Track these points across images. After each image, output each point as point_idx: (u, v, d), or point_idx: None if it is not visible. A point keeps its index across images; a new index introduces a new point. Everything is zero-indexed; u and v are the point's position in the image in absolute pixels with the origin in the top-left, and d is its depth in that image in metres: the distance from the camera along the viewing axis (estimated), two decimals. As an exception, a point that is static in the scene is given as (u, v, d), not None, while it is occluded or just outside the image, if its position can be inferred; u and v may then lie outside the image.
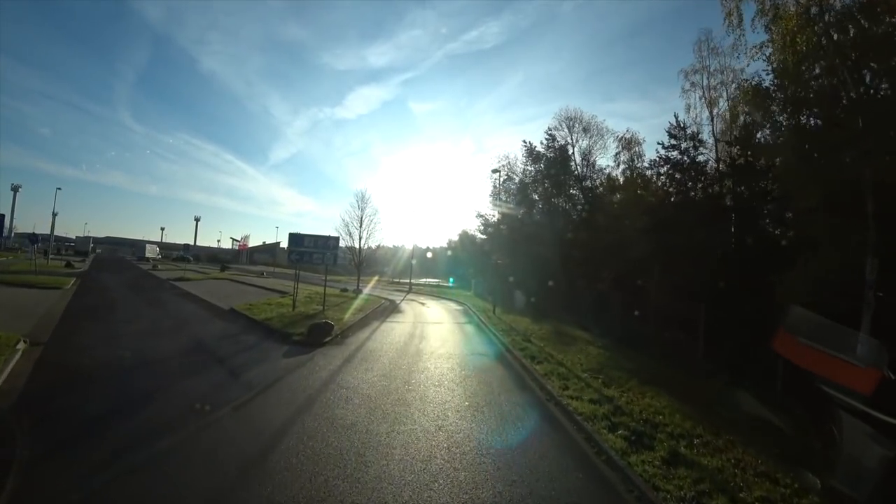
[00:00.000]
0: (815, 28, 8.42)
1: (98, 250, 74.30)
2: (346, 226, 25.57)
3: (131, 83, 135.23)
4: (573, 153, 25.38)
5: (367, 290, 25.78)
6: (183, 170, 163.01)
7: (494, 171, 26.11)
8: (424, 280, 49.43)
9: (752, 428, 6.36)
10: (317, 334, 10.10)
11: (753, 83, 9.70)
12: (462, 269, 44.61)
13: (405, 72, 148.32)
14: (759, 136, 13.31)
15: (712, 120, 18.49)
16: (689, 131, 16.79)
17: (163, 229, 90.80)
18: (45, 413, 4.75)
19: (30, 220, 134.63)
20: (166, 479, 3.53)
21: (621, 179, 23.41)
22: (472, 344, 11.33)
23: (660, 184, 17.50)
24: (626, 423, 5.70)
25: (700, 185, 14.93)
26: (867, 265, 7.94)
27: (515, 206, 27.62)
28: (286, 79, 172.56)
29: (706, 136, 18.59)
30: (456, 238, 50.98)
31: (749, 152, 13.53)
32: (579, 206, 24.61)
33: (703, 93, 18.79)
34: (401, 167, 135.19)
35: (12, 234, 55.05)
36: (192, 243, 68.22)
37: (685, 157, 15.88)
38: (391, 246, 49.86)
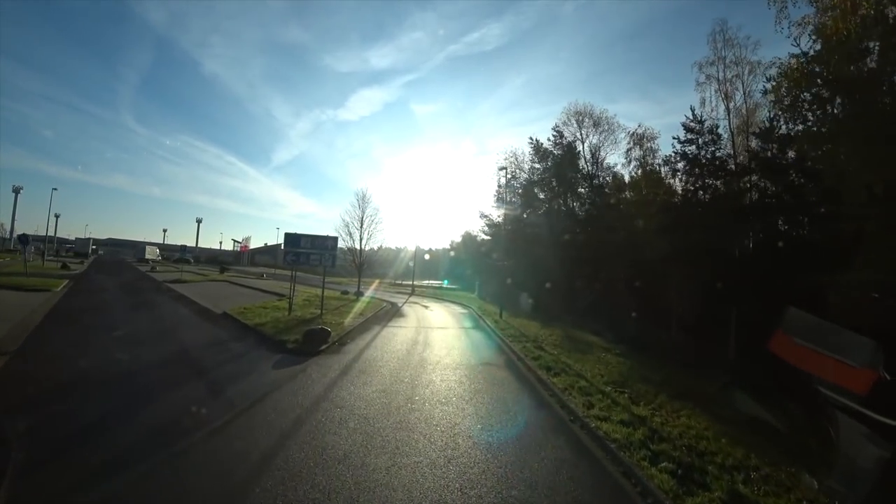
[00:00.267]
0: None
1: (100, 252, 74.00)
2: (347, 226, 24.76)
3: (134, 86, 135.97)
4: (582, 150, 24.53)
5: (368, 293, 24.98)
6: (186, 172, 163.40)
7: (501, 168, 25.24)
8: (427, 282, 48.58)
9: (804, 452, 5.55)
10: (312, 342, 9.31)
11: (800, 61, 8.69)
12: (460, 270, 43.83)
13: (407, 73, 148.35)
14: (783, 128, 12.40)
15: (728, 114, 17.67)
16: (706, 125, 15.96)
17: (165, 231, 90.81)
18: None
19: (33, 222, 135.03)
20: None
21: (631, 176, 22.53)
22: (481, 352, 10.49)
23: (676, 180, 16.64)
24: (668, 452, 4.86)
25: (721, 181, 14.02)
26: None
27: (521, 205, 26.80)
28: (288, 81, 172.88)
29: (722, 130, 17.81)
30: (458, 239, 50.23)
31: (774, 145, 12.63)
32: (588, 205, 23.72)
33: (719, 86, 17.96)
34: (403, 169, 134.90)
35: (14, 236, 54.61)
36: (193, 245, 67.88)
37: (704, 152, 15.01)
38: (393, 248, 49.12)
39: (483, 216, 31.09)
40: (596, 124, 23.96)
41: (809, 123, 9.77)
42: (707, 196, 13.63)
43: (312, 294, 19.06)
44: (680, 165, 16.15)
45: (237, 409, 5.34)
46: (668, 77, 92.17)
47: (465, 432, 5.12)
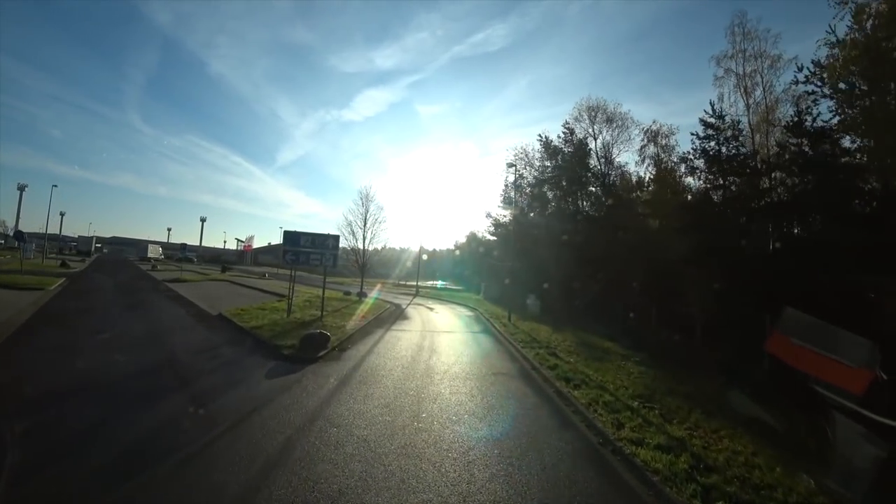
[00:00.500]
0: None
1: (105, 250, 74.06)
2: (350, 224, 24.07)
3: (140, 86, 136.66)
4: (594, 147, 23.68)
5: (371, 294, 24.32)
6: (191, 171, 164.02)
7: (510, 164, 24.37)
8: (430, 283, 47.86)
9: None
10: (310, 347, 8.63)
11: (858, 37, 7.86)
12: (461, 270, 43.07)
13: (412, 74, 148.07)
14: (818, 120, 11.59)
15: (748, 109, 16.84)
16: (727, 120, 15.14)
17: (169, 230, 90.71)
18: None
19: (39, 220, 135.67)
20: None
21: (646, 175, 21.70)
22: (492, 360, 9.76)
23: (693, 178, 15.83)
24: (720, 486, 4.13)
25: (744, 179, 13.21)
26: None
27: (529, 205, 26.03)
28: (293, 81, 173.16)
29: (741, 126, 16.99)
30: (463, 240, 49.47)
31: (804, 139, 11.82)
32: (599, 205, 22.91)
33: (738, 80, 17.15)
34: (407, 170, 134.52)
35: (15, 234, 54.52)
36: (197, 244, 67.62)
37: (725, 149, 14.20)
38: (397, 248, 48.46)
39: (489, 216, 30.38)
40: (609, 120, 23.10)
41: (858, 110, 8.99)
42: (730, 193, 12.83)
43: (313, 295, 18.42)
44: (699, 163, 15.38)
45: (219, 429, 4.65)
46: (673, 78, 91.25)
47: (481, 460, 4.40)
